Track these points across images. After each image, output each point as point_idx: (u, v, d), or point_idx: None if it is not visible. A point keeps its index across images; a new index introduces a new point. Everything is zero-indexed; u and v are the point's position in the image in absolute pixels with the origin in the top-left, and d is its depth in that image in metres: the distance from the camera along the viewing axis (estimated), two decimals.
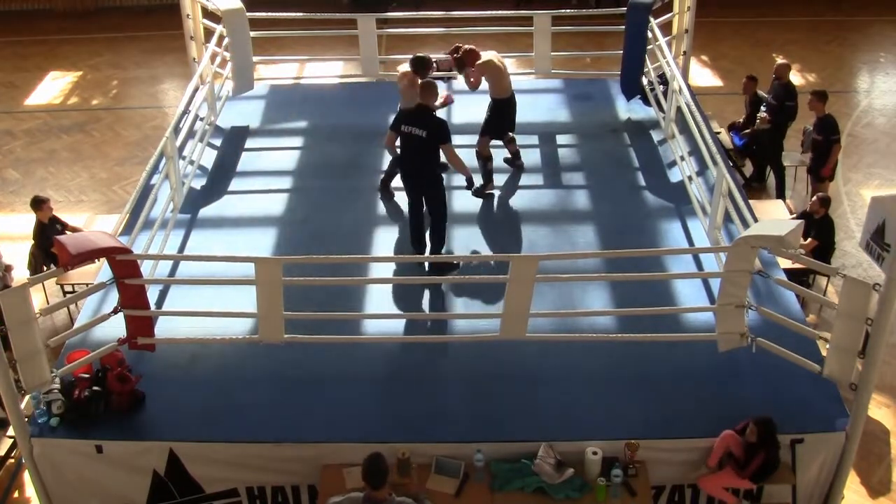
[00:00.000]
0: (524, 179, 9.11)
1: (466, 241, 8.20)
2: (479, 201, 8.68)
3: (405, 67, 8.39)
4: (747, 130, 10.44)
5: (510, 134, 8.95)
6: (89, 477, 6.21)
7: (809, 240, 8.22)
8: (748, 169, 10.76)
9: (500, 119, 8.75)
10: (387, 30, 12.05)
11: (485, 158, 8.72)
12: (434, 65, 8.50)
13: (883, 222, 5.12)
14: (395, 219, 8.56)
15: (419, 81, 7.87)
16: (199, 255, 7.75)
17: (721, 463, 5.96)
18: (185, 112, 9.17)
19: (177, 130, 8.68)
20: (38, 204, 8.64)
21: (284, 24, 11.36)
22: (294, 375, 6.59)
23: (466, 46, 8.70)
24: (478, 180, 8.50)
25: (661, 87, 9.90)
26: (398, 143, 7.69)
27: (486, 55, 8.61)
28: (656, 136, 9.81)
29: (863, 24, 15.20)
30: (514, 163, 9.16)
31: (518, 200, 8.77)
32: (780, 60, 10.19)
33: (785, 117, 10.01)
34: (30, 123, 12.77)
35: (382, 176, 8.85)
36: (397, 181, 8.43)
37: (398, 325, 7.15)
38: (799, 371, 6.01)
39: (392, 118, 7.88)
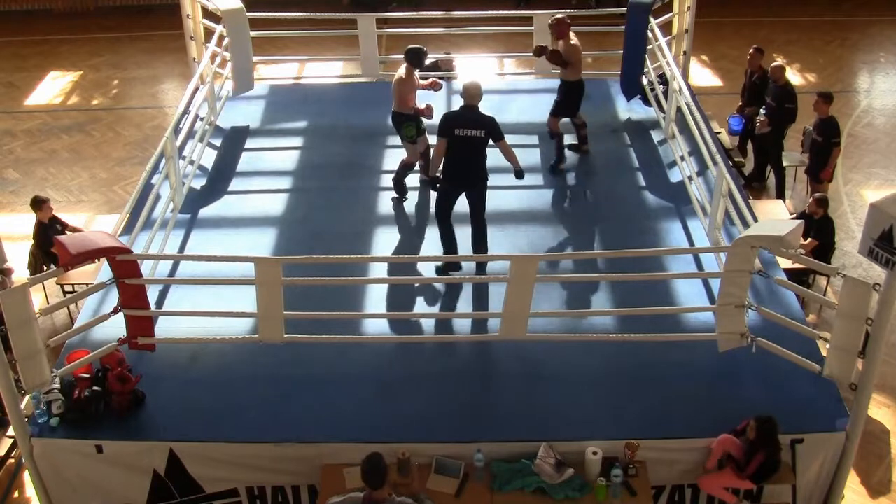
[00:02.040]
0: (524, 179, 9.09)
1: (467, 241, 8.20)
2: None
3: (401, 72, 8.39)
4: (747, 109, 10.47)
5: (581, 117, 9.34)
6: (89, 477, 6.21)
7: (809, 240, 8.21)
8: (748, 169, 10.76)
9: (572, 101, 9.22)
10: (387, 30, 12.05)
11: (559, 136, 9.22)
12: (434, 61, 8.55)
13: (890, 227, 5.08)
14: (395, 219, 8.57)
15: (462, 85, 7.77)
16: (199, 255, 7.75)
17: (721, 464, 5.96)
18: (185, 112, 9.17)
19: (177, 130, 8.68)
20: (39, 204, 8.64)
21: (284, 24, 11.36)
22: (294, 375, 6.60)
23: (560, 15, 9.10)
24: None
25: (661, 87, 9.90)
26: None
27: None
28: (656, 136, 9.81)
29: (863, 24, 15.20)
30: (581, 148, 9.44)
31: (518, 200, 8.76)
32: (775, 63, 10.18)
33: (785, 119, 10.01)
34: (30, 123, 12.77)
35: (394, 175, 8.75)
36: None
37: (398, 325, 7.14)
38: (799, 371, 6.01)
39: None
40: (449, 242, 7.74)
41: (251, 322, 6.74)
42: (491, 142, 7.45)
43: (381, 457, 5.07)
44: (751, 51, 10.54)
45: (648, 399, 6.33)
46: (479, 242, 7.75)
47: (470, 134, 7.35)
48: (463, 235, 8.25)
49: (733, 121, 10.60)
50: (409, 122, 8.45)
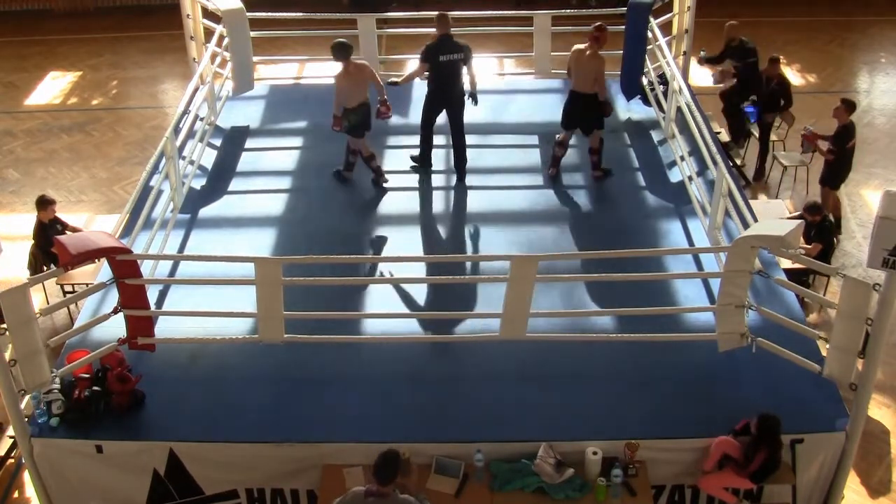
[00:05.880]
0: (524, 179, 9.12)
1: (467, 241, 8.21)
2: (483, 201, 8.73)
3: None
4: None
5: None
6: (89, 477, 6.21)
7: (813, 244, 8.20)
8: (748, 169, 10.76)
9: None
10: (387, 30, 12.05)
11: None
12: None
13: None
14: (396, 219, 8.58)
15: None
16: (199, 255, 7.75)
17: (720, 465, 5.95)
18: (185, 112, 9.17)
19: (177, 130, 8.68)
20: (44, 204, 8.58)
21: (284, 24, 11.36)
22: (294, 375, 6.60)
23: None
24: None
25: (661, 87, 9.90)
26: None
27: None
28: (656, 136, 9.81)
29: (863, 24, 15.20)
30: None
31: (518, 200, 8.77)
32: (730, 22, 10.66)
33: (752, 78, 10.59)
34: (30, 123, 12.77)
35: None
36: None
37: (398, 325, 7.14)
38: (799, 371, 6.01)
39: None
40: (427, 143, 9.13)
41: (251, 322, 6.74)
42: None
43: (397, 454, 5.09)
44: (771, 60, 10.58)
45: (648, 399, 6.33)
46: (462, 155, 9.04)
47: (452, 58, 8.60)
48: (464, 237, 8.31)
49: (748, 109, 10.61)
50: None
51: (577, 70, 8.76)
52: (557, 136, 9.07)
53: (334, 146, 9.67)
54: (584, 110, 8.80)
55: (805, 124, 10.34)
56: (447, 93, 8.80)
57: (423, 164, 9.23)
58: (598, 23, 8.76)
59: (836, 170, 9.48)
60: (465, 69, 8.79)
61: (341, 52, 8.45)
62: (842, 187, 9.94)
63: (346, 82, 8.48)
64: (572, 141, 9.73)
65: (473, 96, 8.93)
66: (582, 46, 8.75)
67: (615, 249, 7.69)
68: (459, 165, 9.06)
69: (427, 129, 9.10)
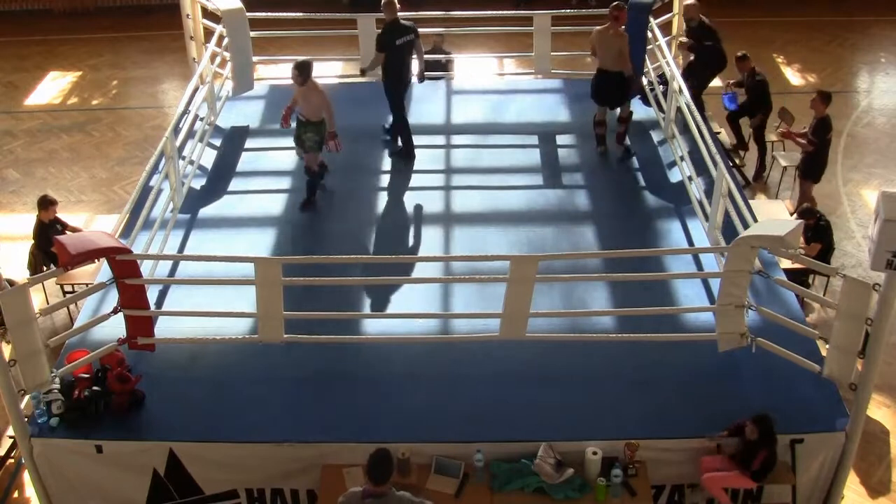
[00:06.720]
0: (524, 179, 9.12)
1: (467, 241, 8.21)
2: (482, 201, 8.75)
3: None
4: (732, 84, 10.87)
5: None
6: (89, 477, 6.21)
7: (812, 244, 8.19)
8: (748, 169, 10.76)
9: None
10: None
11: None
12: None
13: None
14: (396, 219, 8.57)
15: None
16: (199, 255, 7.75)
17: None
18: (185, 112, 9.16)
19: (177, 130, 8.67)
20: (46, 204, 8.57)
21: (284, 24, 11.36)
22: (294, 375, 6.60)
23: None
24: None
25: (661, 87, 9.90)
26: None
27: None
28: (656, 136, 9.81)
29: (863, 24, 15.20)
30: None
31: (518, 200, 8.77)
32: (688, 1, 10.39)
33: (710, 57, 10.36)
34: (30, 123, 12.76)
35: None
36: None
37: (398, 325, 7.14)
38: (799, 371, 6.01)
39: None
40: (408, 135, 9.31)
41: (251, 322, 6.74)
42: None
43: (388, 452, 5.08)
44: (737, 58, 10.53)
45: (648, 399, 6.33)
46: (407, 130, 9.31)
47: (406, 40, 8.88)
48: (464, 237, 8.32)
49: (727, 97, 10.64)
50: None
51: (602, 49, 8.92)
52: (595, 115, 9.26)
53: None
54: (613, 87, 8.98)
55: (805, 125, 10.34)
56: (406, 74, 9.10)
57: (407, 157, 9.34)
58: (616, 2, 8.86)
59: (819, 162, 9.50)
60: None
61: (309, 70, 8.39)
62: (841, 187, 9.92)
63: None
64: (572, 141, 9.76)
65: (421, 74, 9.36)
66: (602, 27, 8.91)
67: (615, 249, 7.70)
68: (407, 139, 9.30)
69: (403, 120, 9.24)
